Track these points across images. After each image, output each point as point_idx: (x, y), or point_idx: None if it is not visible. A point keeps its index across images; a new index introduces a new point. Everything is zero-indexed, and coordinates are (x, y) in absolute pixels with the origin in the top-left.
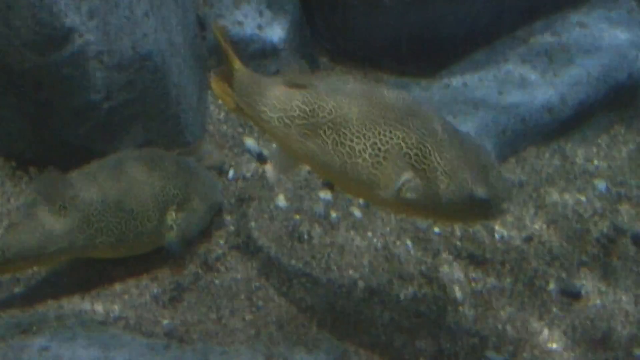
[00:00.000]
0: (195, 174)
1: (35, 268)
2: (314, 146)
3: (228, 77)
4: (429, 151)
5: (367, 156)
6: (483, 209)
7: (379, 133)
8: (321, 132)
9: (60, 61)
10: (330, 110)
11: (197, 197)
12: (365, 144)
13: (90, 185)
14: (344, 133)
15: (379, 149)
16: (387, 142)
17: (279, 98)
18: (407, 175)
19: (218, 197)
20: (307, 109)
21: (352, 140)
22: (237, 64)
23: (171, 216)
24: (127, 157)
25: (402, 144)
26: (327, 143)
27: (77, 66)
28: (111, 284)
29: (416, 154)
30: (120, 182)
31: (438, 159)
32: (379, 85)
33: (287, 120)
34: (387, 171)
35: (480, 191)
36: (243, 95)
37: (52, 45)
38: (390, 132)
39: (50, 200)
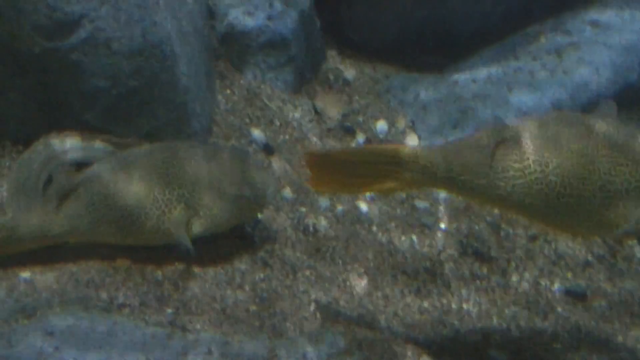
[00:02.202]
0: (221, 172)
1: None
2: (532, 201)
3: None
4: None
5: (597, 201)
6: None
7: (604, 173)
8: (543, 187)
9: (69, 47)
10: (547, 162)
11: (214, 195)
12: (593, 189)
13: (100, 177)
14: (569, 184)
15: (609, 191)
16: (614, 181)
17: (481, 164)
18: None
19: (246, 192)
20: (521, 166)
21: (579, 189)
22: (412, 150)
23: (180, 214)
24: (142, 154)
25: (630, 178)
26: (554, 199)
27: (86, 52)
28: (116, 271)
29: None
30: (120, 179)
31: None
32: (575, 117)
33: (501, 183)
34: (619, 211)
35: None
36: (448, 176)
37: (63, 31)
38: (615, 169)
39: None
